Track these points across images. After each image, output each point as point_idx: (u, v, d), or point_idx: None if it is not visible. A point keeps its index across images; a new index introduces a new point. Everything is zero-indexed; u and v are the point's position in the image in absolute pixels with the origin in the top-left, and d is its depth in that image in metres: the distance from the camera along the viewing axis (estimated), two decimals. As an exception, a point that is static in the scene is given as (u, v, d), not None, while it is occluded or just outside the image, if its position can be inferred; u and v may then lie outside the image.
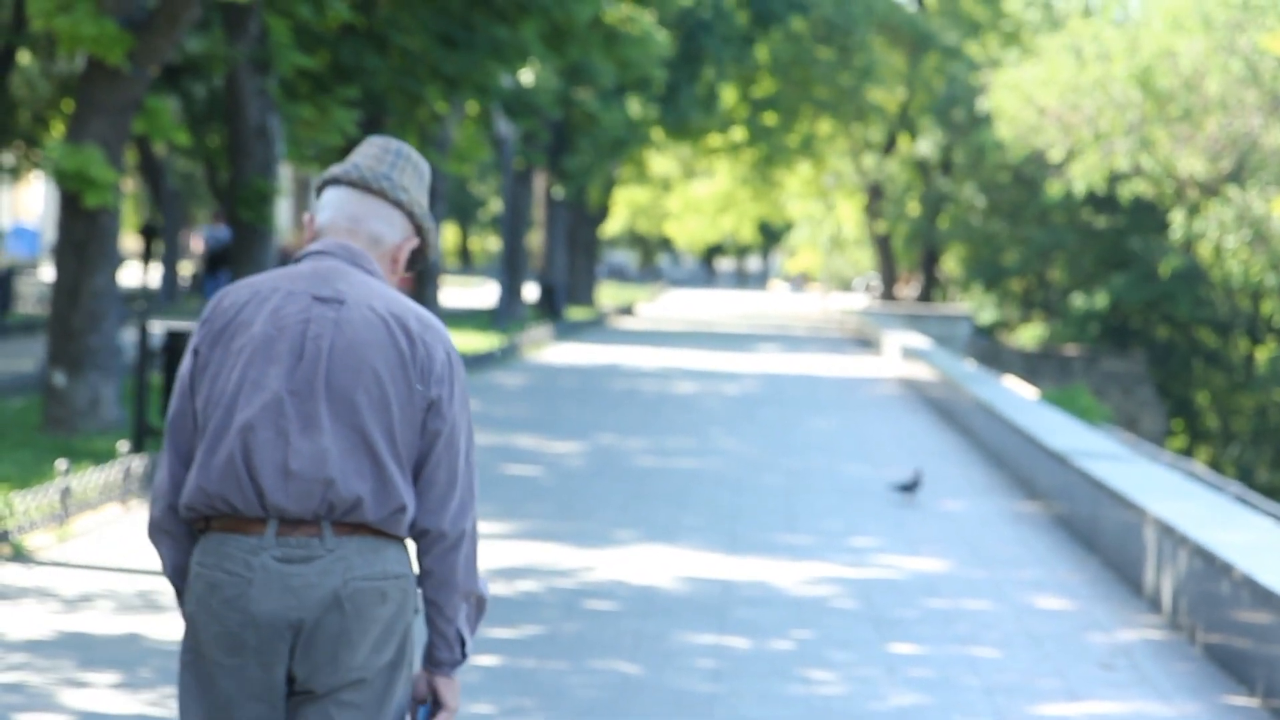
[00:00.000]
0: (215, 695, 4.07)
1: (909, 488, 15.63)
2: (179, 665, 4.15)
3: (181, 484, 4.14)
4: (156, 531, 4.19)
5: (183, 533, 4.18)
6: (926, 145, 67.27)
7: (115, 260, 17.04)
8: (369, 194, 4.26)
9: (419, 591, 4.21)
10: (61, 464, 12.34)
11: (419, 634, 5.80)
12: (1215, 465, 49.20)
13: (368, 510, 4.06)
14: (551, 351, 37.19)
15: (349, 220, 4.26)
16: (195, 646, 4.10)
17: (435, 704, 4.20)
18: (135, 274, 46.81)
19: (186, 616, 4.13)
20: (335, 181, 4.29)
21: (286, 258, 33.43)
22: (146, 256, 45.08)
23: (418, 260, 4.37)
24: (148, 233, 45.65)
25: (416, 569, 4.21)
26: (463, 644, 4.19)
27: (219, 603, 4.04)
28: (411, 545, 4.22)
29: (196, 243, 29.58)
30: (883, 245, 73.04)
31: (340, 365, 4.08)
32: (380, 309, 4.14)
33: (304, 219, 4.34)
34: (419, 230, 4.32)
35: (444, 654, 4.19)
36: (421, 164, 4.35)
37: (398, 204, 4.27)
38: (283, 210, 31.07)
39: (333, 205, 4.28)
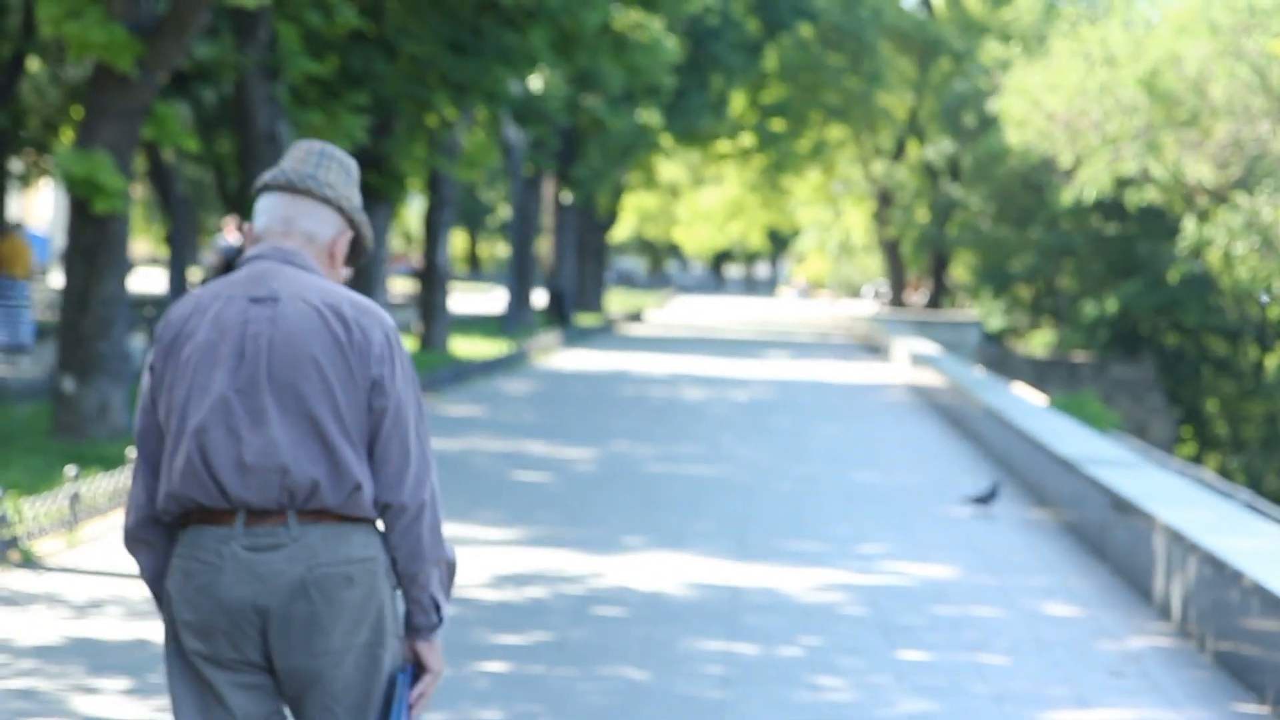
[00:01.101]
0: (197, 680, 4.29)
1: (985, 499, 15.29)
2: (164, 655, 4.36)
3: (154, 494, 4.35)
4: (132, 541, 4.42)
5: (160, 539, 4.39)
6: (935, 151, 67.26)
7: (124, 266, 17.06)
8: (298, 195, 4.43)
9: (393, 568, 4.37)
10: (71, 470, 12.35)
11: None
12: (1224, 472, 49.15)
13: (326, 494, 4.23)
14: (560, 358, 37.20)
15: (282, 223, 4.43)
16: (175, 635, 4.31)
17: (419, 668, 4.38)
18: (160, 281, 46.85)
19: (167, 606, 4.33)
20: (266, 188, 4.46)
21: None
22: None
23: (357, 253, 4.53)
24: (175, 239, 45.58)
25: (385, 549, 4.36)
26: (438, 608, 4.37)
27: (193, 590, 4.25)
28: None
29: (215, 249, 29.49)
30: (891, 251, 73.06)
31: (280, 358, 4.26)
32: (314, 300, 4.31)
33: (244, 229, 4.46)
34: (352, 224, 4.48)
35: (421, 620, 4.37)
36: (347, 161, 4.51)
37: (326, 201, 4.43)
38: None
39: (266, 211, 4.45)
